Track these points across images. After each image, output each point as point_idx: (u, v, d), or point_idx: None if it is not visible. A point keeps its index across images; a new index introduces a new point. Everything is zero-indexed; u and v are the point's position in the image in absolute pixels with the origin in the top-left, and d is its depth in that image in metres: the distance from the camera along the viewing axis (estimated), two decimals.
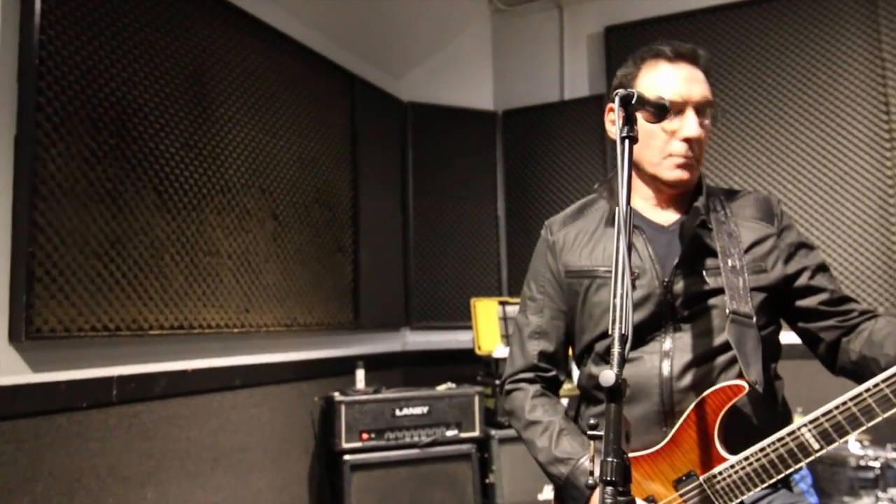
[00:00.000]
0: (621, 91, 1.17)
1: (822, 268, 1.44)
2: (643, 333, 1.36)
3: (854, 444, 2.82)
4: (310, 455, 3.37)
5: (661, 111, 1.26)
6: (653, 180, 1.46)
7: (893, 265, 3.45)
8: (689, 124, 1.37)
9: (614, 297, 1.06)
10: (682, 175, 1.40)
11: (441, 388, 3.47)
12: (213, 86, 2.96)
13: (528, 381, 1.53)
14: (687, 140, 1.38)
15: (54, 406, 2.25)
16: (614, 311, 1.05)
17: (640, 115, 1.25)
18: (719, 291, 1.35)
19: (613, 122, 1.46)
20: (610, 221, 1.47)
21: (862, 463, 2.78)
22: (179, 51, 2.81)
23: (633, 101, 1.17)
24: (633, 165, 1.43)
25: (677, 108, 1.37)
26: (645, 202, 1.48)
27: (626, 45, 4.11)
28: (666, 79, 1.39)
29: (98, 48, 2.47)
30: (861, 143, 3.57)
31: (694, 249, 1.38)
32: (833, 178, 3.60)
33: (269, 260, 3.20)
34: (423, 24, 4.26)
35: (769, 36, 3.80)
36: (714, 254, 1.37)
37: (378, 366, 3.90)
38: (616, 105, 1.18)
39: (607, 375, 0.99)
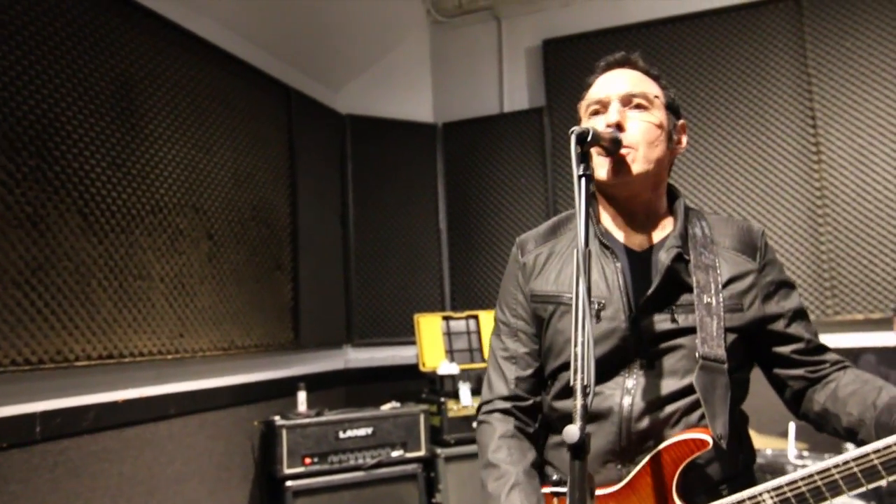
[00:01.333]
0: (577, 129, 1.13)
1: (800, 313, 1.37)
2: (606, 368, 1.29)
3: (792, 452, 2.89)
4: (250, 483, 3.25)
5: (615, 146, 1.24)
6: (602, 193, 1.39)
7: (822, 274, 3.56)
8: (610, 112, 1.30)
9: (575, 344, 1.01)
10: (613, 170, 1.28)
11: (385, 407, 3.41)
12: (142, 101, 2.83)
13: (502, 411, 1.45)
14: (609, 126, 1.27)
15: None
16: (575, 359, 1.01)
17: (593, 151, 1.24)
18: (690, 331, 1.27)
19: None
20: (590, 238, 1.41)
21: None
22: (105, 64, 2.67)
23: (589, 139, 1.14)
24: (595, 184, 1.37)
25: (604, 106, 1.32)
26: (613, 222, 1.39)
27: (564, 58, 4.14)
28: (594, 88, 1.37)
29: (15, 63, 2.33)
30: (789, 154, 3.68)
31: (665, 284, 1.29)
32: (763, 189, 3.70)
33: (205, 281, 3.08)
34: (361, 36, 4.20)
35: (701, 50, 3.89)
36: (689, 288, 1.29)
37: (320, 386, 3.81)
38: (572, 144, 1.13)
39: (571, 432, 0.94)
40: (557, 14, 4.25)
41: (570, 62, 4.13)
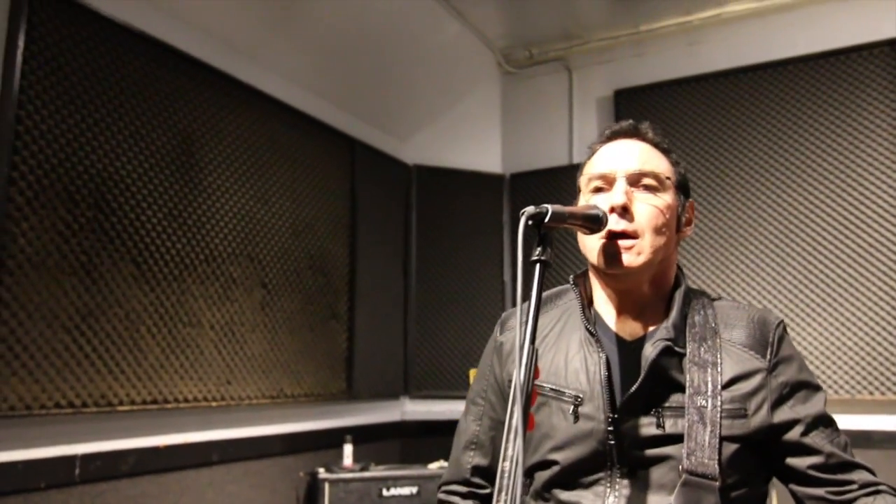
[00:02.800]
0: (529, 210, 0.99)
1: (822, 420, 1.15)
2: (583, 474, 1.15)
3: None
4: None
5: (592, 222, 1.11)
6: (599, 276, 1.25)
7: None
8: (615, 192, 1.16)
9: (503, 458, 0.89)
10: (620, 259, 1.15)
11: (433, 466, 3.32)
12: (202, 155, 2.94)
13: (460, 495, 1.37)
14: (614, 210, 1.15)
15: (8, 487, 2.18)
16: (501, 476, 0.88)
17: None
18: (678, 439, 1.11)
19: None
20: (573, 325, 1.26)
21: None
22: (167, 121, 2.80)
23: (548, 220, 1.00)
24: (589, 263, 1.26)
25: (605, 182, 1.20)
26: (608, 306, 1.25)
27: (637, 108, 4.01)
28: (597, 159, 1.25)
29: (80, 121, 2.47)
30: (884, 212, 3.37)
31: (653, 382, 1.13)
32: (855, 251, 3.40)
33: (256, 329, 3.13)
34: (430, 87, 4.24)
35: (785, 100, 3.66)
36: (682, 388, 1.13)
37: (374, 437, 3.77)
38: (521, 227, 0.97)
39: None
40: (630, 64, 4.14)
41: (642, 112, 3.99)
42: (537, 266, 1.00)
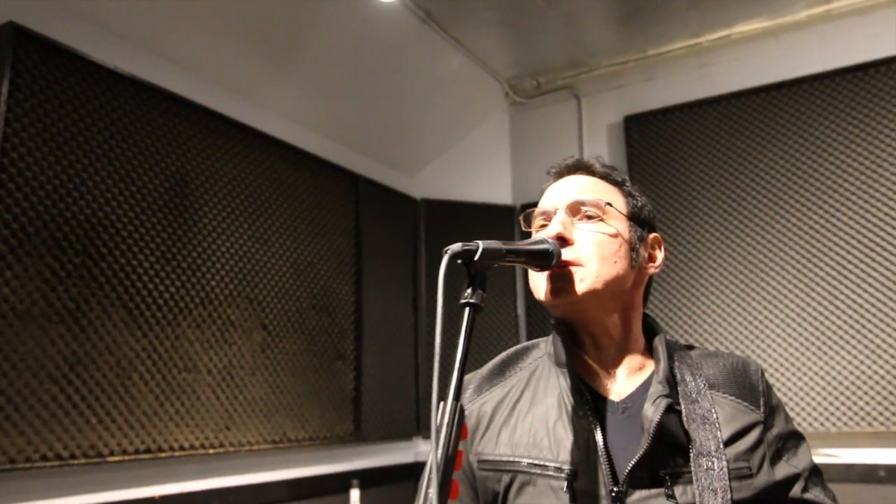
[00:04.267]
0: (454, 247, 0.91)
1: (816, 472, 1.10)
2: None
3: None
4: None
5: (540, 258, 1.03)
6: (571, 332, 1.15)
7: None
8: (552, 223, 1.09)
9: None
10: (555, 289, 1.07)
11: None
12: (197, 196, 2.91)
13: None
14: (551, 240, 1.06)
15: None
16: None
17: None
18: None
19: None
20: (547, 388, 1.13)
21: None
22: (160, 163, 2.78)
23: (478, 257, 0.92)
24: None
25: (550, 218, 1.13)
26: (585, 366, 1.14)
27: (647, 134, 3.91)
28: (542, 199, 1.19)
29: (67, 167, 2.45)
30: None
31: (654, 444, 1.00)
32: (884, 273, 3.21)
33: (256, 372, 3.06)
34: (437, 120, 4.19)
35: (802, 120, 3.51)
36: (683, 450, 1.02)
37: (385, 481, 3.65)
38: (442, 267, 0.88)
39: None
40: (639, 89, 4.04)
41: (653, 138, 3.89)
42: (466, 310, 0.91)
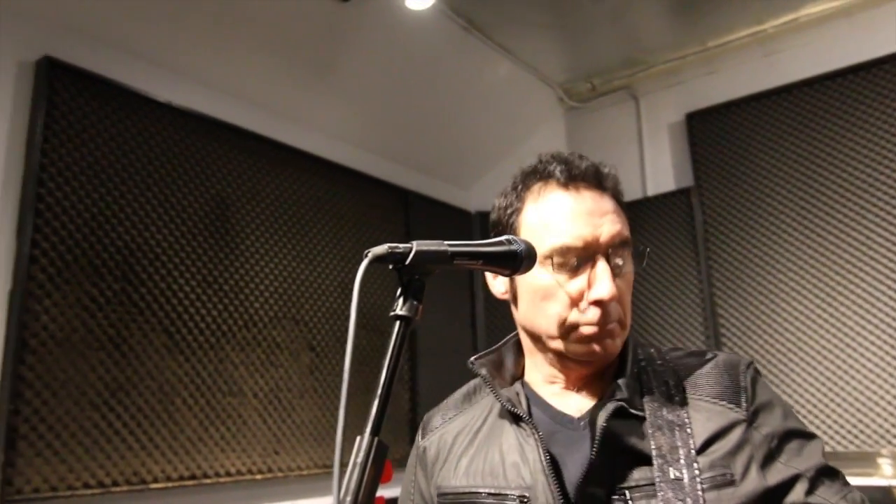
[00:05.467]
0: (376, 250, 0.77)
1: (827, 472, 0.91)
2: None
3: None
4: None
5: (506, 260, 0.88)
6: (558, 357, 1.01)
7: None
8: (601, 283, 0.94)
9: None
10: (598, 350, 0.96)
11: None
12: (238, 219, 2.89)
13: None
14: (599, 303, 0.94)
15: None
16: None
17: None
18: None
19: (494, 275, 1.07)
20: (503, 412, 1.04)
21: None
22: (199, 187, 2.78)
23: (409, 262, 0.79)
24: (527, 333, 1.05)
25: (580, 256, 0.96)
26: (547, 385, 1.04)
27: (712, 131, 3.65)
28: (560, 215, 0.98)
29: (105, 194, 2.48)
30: None
31: (611, 456, 0.90)
32: None
33: (305, 395, 3.00)
34: (489, 130, 4.07)
35: (885, 104, 3.19)
36: (647, 460, 0.90)
37: None
38: (359, 271, 0.74)
39: None
40: (701, 84, 3.80)
41: (718, 135, 3.63)
42: (396, 324, 0.79)
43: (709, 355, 1.02)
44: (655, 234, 3.78)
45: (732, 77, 3.69)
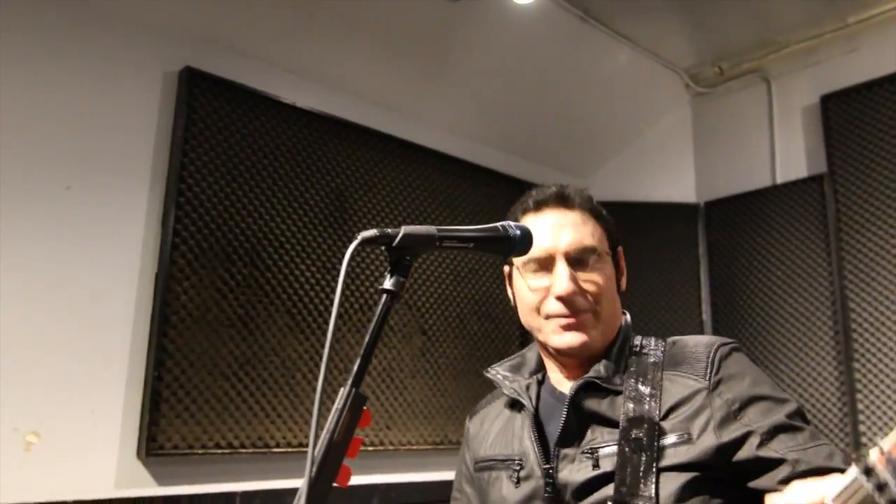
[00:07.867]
0: (366, 233, 0.87)
1: (785, 428, 0.98)
2: None
3: None
4: None
5: (495, 244, 1.03)
6: (545, 349, 1.23)
7: None
8: (558, 279, 1.13)
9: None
10: (572, 341, 1.14)
11: None
12: (356, 210, 3.11)
13: None
14: (560, 299, 1.13)
15: None
16: None
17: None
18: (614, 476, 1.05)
19: (506, 287, 1.32)
20: (509, 403, 1.28)
21: None
22: (320, 181, 3.02)
23: (396, 244, 0.88)
24: (529, 332, 1.27)
25: (546, 264, 1.16)
26: (554, 372, 1.25)
27: (849, 113, 3.41)
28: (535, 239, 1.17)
29: (236, 188, 2.77)
30: None
31: (584, 423, 1.11)
32: None
33: (416, 375, 3.18)
34: (610, 119, 4.04)
35: None
36: (615, 424, 1.07)
37: None
38: (347, 252, 0.84)
39: None
40: (839, 63, 3.54)
41: (857, 117, 3.38)
42: (382, 297, 0.90)
43: (703, 340, 1.15)
44: (784, 224, 3.59)
45: (875, 55, 3.41)
